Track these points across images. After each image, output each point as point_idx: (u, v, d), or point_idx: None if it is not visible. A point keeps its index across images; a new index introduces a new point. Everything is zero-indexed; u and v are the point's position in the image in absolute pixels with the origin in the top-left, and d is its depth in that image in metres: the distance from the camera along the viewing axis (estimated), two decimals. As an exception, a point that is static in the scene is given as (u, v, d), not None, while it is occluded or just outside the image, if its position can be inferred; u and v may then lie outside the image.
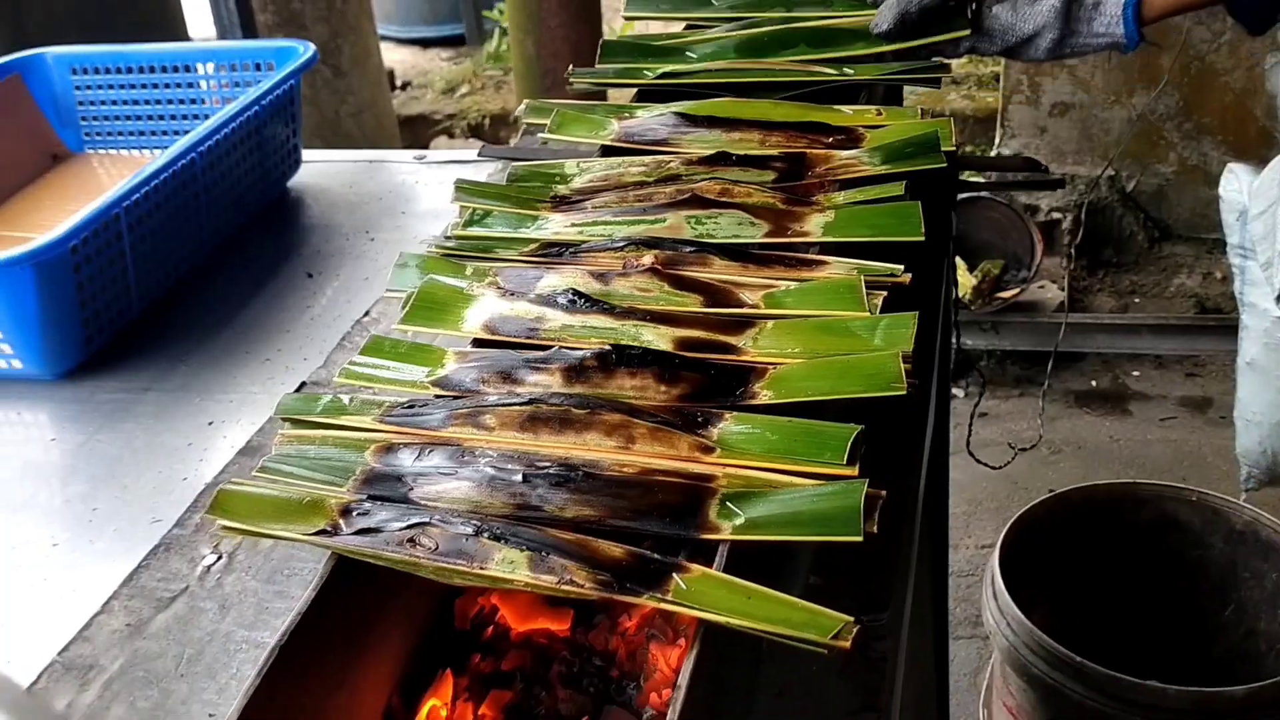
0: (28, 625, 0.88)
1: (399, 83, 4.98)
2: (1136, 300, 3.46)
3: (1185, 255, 3.57)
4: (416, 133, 4.69)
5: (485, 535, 0.69)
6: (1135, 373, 3.23)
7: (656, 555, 0.67)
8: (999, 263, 3.37)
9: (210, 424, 1.09)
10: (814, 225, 0.93)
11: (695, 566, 0.66)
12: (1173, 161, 3.53)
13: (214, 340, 1.21)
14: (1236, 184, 2.48)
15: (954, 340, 1.63)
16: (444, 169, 1.56)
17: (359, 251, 1.37)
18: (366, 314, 1.21)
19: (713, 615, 0.64)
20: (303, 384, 1.09)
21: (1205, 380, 3.19)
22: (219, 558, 0.91)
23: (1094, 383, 3.21)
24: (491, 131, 4.67)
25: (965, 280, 3.28)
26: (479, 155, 1.46)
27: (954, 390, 2.99)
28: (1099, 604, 2.04)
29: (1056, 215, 3.56)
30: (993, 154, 3.66)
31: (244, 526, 0.71)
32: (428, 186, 1.52)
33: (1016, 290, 3.30)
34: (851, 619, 0.62)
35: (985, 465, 2.05)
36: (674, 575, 0.66)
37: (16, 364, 1.14)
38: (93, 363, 1.18)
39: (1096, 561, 2.02)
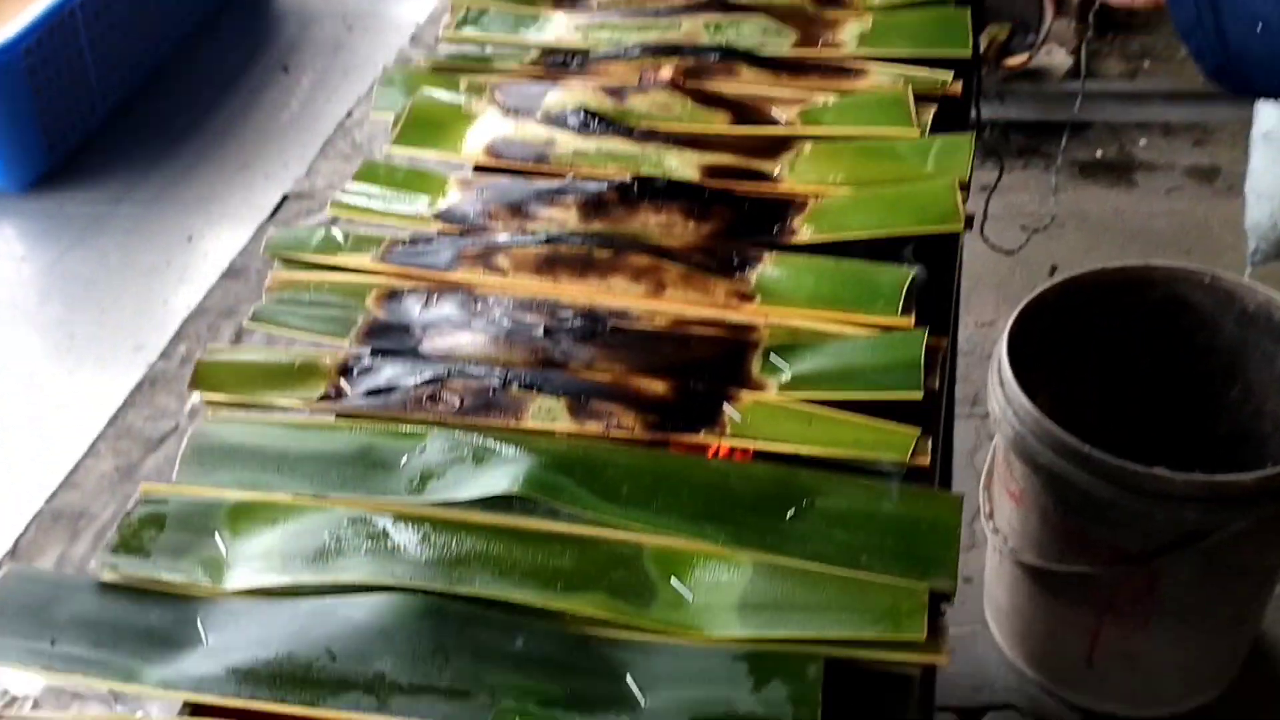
0: (11, 470, 0.83)
1: None
2: (1146, 65, 3.33)
3: (1199, 14, 3.42)
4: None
5: (515, 385, 0.62)
6: (1142, 141, 3.14)
7: (702, 387, 0.62)
8: (1006, 26, 3.21)
9: (190, 239, 1.03)
10: (849, 34, 0.83)
11: (745, 394, 0.61)
12: (1192, -88, 3.34)
13: (187, 145, 1.13)
14: (1264, -59, 2.34)
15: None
16: (427, -56, 1.44)
17: (337, 41, 1.28)
18: (349, 115, 1.13)
19: (777, 445, 0.59)
20: (285, 197, 1.02)
21: (1213, 148, 3.10)
22: (210, 393, 0.86)
23: (1100, 152, 3.11)
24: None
25: (969, 46, 3.15)
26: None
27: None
28: (1103, 386, 2.02)
29: (1067, -27, 3.39)
30: (1002, -94, 3.46)
31: (233, 399, 0.65)
32: (409, -35, 1.40)
33: (1025, 57, 3.16)
34: (919, 430, 0.58)
35: (999, 250, 1.99)
36: (725, 406, 0.61)
37: (-24, 176, 1.07)
38: (60, 173, 1.10)
39: (1101, 344, 1.98)
